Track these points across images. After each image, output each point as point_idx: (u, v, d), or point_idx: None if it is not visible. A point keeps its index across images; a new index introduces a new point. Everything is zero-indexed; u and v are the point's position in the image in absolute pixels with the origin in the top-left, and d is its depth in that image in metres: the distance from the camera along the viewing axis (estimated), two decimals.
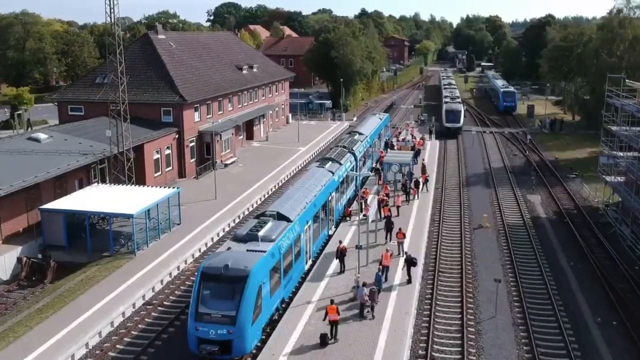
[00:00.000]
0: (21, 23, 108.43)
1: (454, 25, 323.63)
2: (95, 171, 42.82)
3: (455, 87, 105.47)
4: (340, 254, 31.34)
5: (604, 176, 45.62)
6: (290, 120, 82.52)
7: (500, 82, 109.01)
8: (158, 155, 48.27)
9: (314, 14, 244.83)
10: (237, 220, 42.29)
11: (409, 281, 30.03)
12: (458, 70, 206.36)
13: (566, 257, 36.43)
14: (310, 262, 33.03)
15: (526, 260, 35.55)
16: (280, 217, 29.70)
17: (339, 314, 24.73)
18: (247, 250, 25.89)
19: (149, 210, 37.38)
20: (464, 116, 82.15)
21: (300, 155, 61.87)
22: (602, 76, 62.11)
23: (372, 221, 34.75)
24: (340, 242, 32.11)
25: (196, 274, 25.07)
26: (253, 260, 24.75)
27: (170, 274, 33.04)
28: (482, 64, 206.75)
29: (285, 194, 33.68)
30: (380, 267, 29.96)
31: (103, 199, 36.64)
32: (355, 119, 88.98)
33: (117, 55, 40.11)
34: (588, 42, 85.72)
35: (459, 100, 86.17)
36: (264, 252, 25.73)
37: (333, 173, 39.74)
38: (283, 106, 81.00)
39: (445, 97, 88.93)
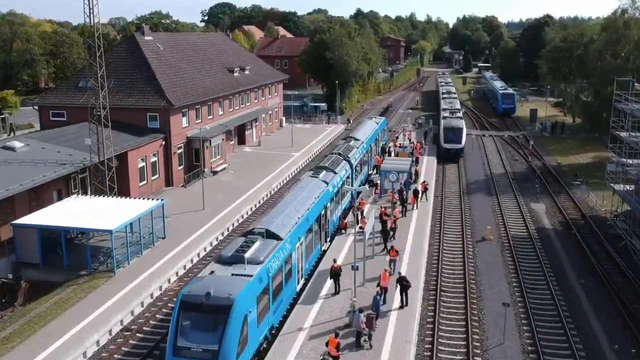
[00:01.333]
0: (8, 23, 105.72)
1: (450, 26, 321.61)
2: (76, 181, 40.34)
3: (455, 95, 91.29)
4: (335, 273, 29.01)
5: (611, 184, 43.40)
6: (284, 124, 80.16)
7: (498, 84, 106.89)
8: (143, 163, 45.83)
9: (309, 14, 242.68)
10: (225, 233, 39.91)
11: (402, 305, 27.67)
12: (455, 71, 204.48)
13: (576, 272, 34.16)
14: (302, 282, 30.67)
15: (533, 277, 33.27)
16: (270, 234, 27.34)
17: (339, 350, 22.37)
18: (232, 275, 23.52)
19: (131, 223, 35.06)
20: (466, 133, 67.02)
21: (294, 161, 59.52)
22: (606, 78, 60.07)
23: (369, 237, 32.38)
24: (335, 260, 29.75)
25: (175, 301, 22.73)
26: (238, 286, 22.40)
27: (151, 294, 30.64)
28: (479, 64, 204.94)
29: (275, 208, 31.28)
30: (379, 289, 27.63)
31: (81, 212, 34.21)
32: (351, 122, 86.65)
33: (97, 58, 37.61)
34: (589, 43, 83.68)
35: (460, 113, 71.76)
36: (251, 276, 23.38)
37: (327, 183, 37.42)
38: (276, 109, 78.61)
39: (444, 109, 73.96)
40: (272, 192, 49.49)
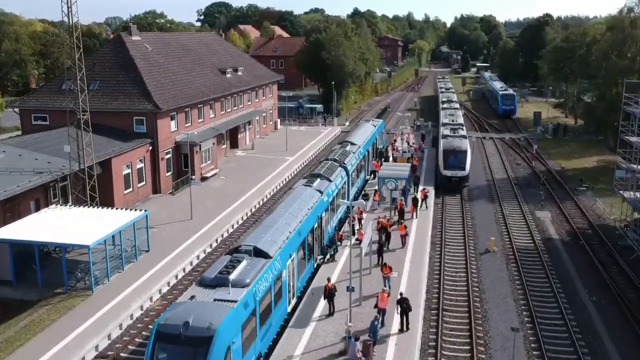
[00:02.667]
0: None
1: (448, 25, 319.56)
2: (56, 190, 38.06)
3: (457, 105, 77.90)
4: (329, 293, 26.81)
5: (620, 191, 41.33)
6: (279, 126, 77.88)
7: (498, 85, 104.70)
8: (129, 170, 43.58)
9: (306, 13, 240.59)
10: (214, 245, 37.66)
11: (402, 329, 25.49)
12: (453, 71, 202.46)
13: (586, 289, 31.99)
14: (294, 301, 28.44)
15: (542, 294, 31.08)
16: (258, 252, 25.10)
17: None
18: (215, 300, 21.27)
19: (113, 236, 32.86)
20: (471, 154, 53.35)
21: (288, 166, 57.28)
22: (612, 80, 58.02)
23: (366, 254, 30.16)
24: (329, 279, 27.53)
25: (151, 330, 20.52)
26: (220, 314, 20.17)
27: (131, 315, 28.38)
28: (478, 64, 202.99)
29: (264, 221, 29.02)
30: (377, 314, 25.38)
31: (58, 224, 31.94)
32: (347, 123, 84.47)
33: (77, 59, 35.33)
34: (592, 43, 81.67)
35: (464, 130, 57.87)
36: (235, 302, 21.15)
37: (322, 192, 35.20)
38: (271, 111, 76.34)
39: (444, 125, 60.06)
40: (265, 200, 47.24)
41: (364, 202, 29.65)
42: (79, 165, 36.64)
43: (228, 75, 62.66)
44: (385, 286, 28.69)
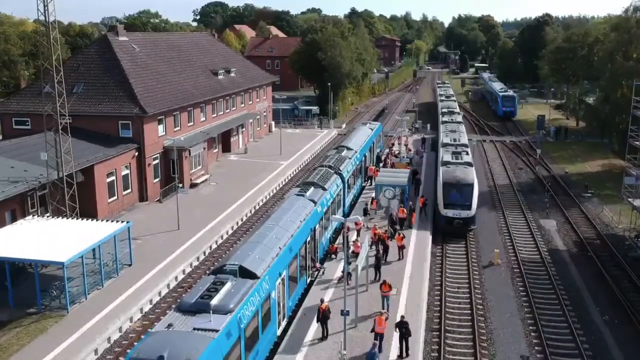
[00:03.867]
0: None
1: (446, 25, 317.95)
2: (34, 200, 35.91)
3: (460, 118, 65.18)
4: (323, 315, 24.72)
5: (629, 199, 39.36)
6: (274, 129, 75.75)
7: (498, 86, 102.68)
8: (113, 177, 41.44)
9: (302, 13, 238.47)
10: (201, 258, 35.54)
11: (401, 355, 23.43)
12: (451, 72, 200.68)
13: (598, 306, 29.95)
14: (284, 323, 26.35)
15: (550, 312, 29.01)
16: (244, 272, 23.01)
17: None
18: (194, 330, 19.16)
19: (94, 249, 30.78)
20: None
21: (282, 171, 55.17)
22: (617, 82, 56.03)
23: (363, 269, 28.08)
24: (322, 300, 25.43)
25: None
26: (199, 347, 18.07)
27: (108, 338, 26.25)
28: (476, 64, 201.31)
29: (252, 236, 26.83)
30: (374, 339, 23.31)
31: (33, 238, 29.80)
32: (344, 126, 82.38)
33: (53, 61, 33.20)
34: (594, 43, 79.75)
35: (469, 155, 45.61)
36: (217, 331, 19.07)
37: (315, 202, 33.11)
38: (265, 113, 74.22)
39: (445, 145, 48.46)
40: (257, 208, 45.13)
41: (360, 218, 27.46)
42: (57, 174, 34.50)
43: (220, 77, 60.54)
44: (383, 307, 26.74)
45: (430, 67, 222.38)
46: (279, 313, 25.29)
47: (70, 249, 28.35)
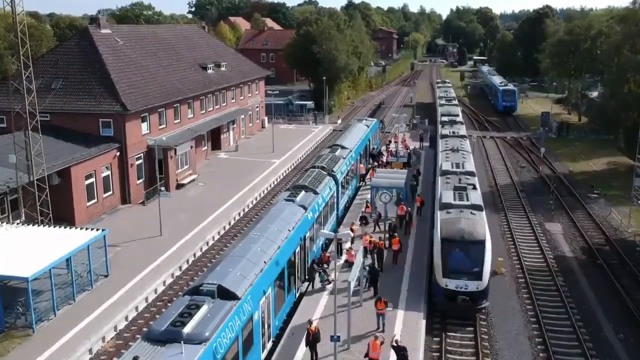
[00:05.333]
0: None
1: (444, 17, 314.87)
2: (4, 205, 33.52)
3: (464, 130, 51.29)
4: (313, 339, 22.38)
5: None
6: (267, 125, 73.25)
7: (498, 79, 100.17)
8: (92, 179, 38.99)
9: (299, 5, 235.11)
10: (184, 267, 33.18)
11: None
12: (450, 64, 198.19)
13: (610, 322, 27.67)
14: (270, 345, 24.00)
15: (560, 330, 26.76)
16: (223, 293, 20.59)
17: None
18: None
19: (67, 259, 28.40)
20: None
21: (274, 170, 52.74)
22: (624, 76, 53.64)
23: (357, 286, 25.70)
24: (310, 322, 23.07)
25: None
26: None
27: None
28: (475, 57, 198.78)
29: (235, 249, 24.34)
30: None
31: None
32: (339, 121, 79.87)
33: (21, 56, 30.69)
34: (597, 36, 77.37)
35: (477, 190, 33.70)
36: None
37: (306, 208, 30.71)
38: (258, 109, 71.68)
39: (444, 174, 36.23)
40: (245, 210, 42.76)
41: (350, 234, 25.02)
42: (28, 177, 32.06)
43: (209, 71, 57.99)
44: (379, 326, 24.44)
45: (428, 60, 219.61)
46: (263, 335, 22.93)
47: (37, 262, 25.94)
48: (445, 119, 55.71)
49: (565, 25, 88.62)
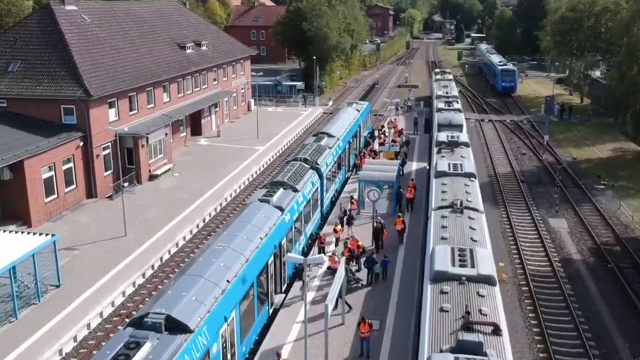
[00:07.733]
0: None
1: None
2: None
3: (466, 138, 37.44)
4: None
5: None
6: (253, 107, 69.26)
7: (496, 58, 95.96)
8: (51, 173, 35.27)
9: None
10: (148, 274, 29.70)
11: None
12: (446, 42, 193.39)
13: (626, 341, 24.45)
14: None
15: (568, 350, 23.51)
16: (173, 325, 17.10)
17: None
18: None
19: (9, 269, 24.89)
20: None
21: (257, 158, 49.06)
22: (634, 56, 49.91)
23: (335, 306, 22.26)
24: (279, 355, 19.65)
25: None
26: None
27: None
28: (472, 35, 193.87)
29: (192, 267, 20.58)
30: None
31: None
32: (330, 103, 75.96)
33: None
34: (602, 13, 73.32)
35: (488, 247, 22.40)
36: None
37: (283, 210, 27.20)
38: (243, 90, 67.66)
39: (439, 209, 25.42)
40: (222, 205, 39.21)
41: (324, 258, 21.50)
42: None
43: (188, 51, 53.93)
44: (362, 353, 21.09)
45: (424, 38, 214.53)
46: None
47: None
48: (443, 120, 43.78)
49: (568, 1, 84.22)
